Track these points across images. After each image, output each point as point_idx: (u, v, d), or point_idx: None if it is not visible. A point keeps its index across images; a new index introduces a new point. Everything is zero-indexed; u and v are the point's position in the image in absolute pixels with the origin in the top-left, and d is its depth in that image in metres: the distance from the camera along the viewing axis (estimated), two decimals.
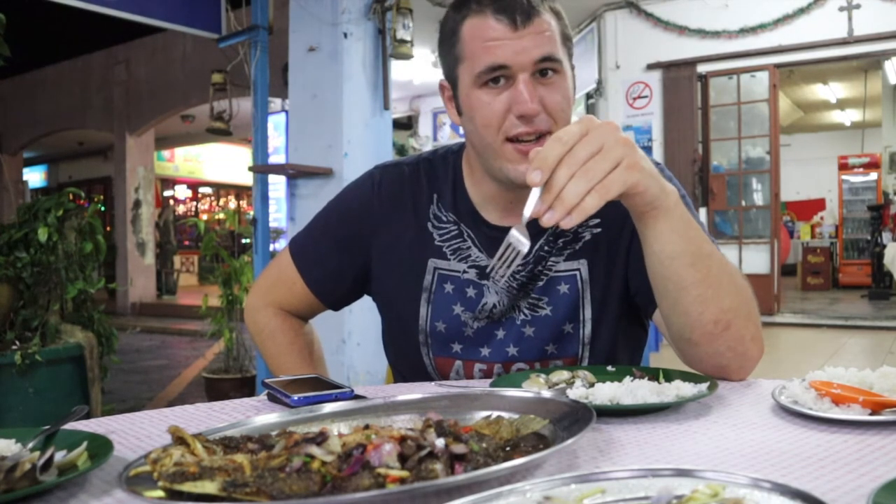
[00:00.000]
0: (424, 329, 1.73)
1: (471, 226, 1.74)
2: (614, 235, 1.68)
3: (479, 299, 1.71)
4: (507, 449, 0.90)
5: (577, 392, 1.23)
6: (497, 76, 1.52)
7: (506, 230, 1.71)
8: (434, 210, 1.77)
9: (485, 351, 1.71)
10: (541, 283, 1.69)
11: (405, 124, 14.75)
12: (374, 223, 1.77)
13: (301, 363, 1.83)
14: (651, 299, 1.59)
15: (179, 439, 0.88)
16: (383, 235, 1.75)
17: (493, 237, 1.72)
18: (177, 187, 23.25)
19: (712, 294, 1.39)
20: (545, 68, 1.52)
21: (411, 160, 1.86)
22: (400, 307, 1.76)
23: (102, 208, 18.43)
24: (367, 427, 0.96)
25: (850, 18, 9.88)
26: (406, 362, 1.78)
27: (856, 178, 15.82)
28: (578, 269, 1.68)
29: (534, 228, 1.71)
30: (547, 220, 1.18)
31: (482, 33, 1.51)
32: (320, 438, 0.85)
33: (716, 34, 10.60)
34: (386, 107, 6.09)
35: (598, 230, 1.69)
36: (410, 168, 1.82)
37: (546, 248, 1.69)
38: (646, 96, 11.09)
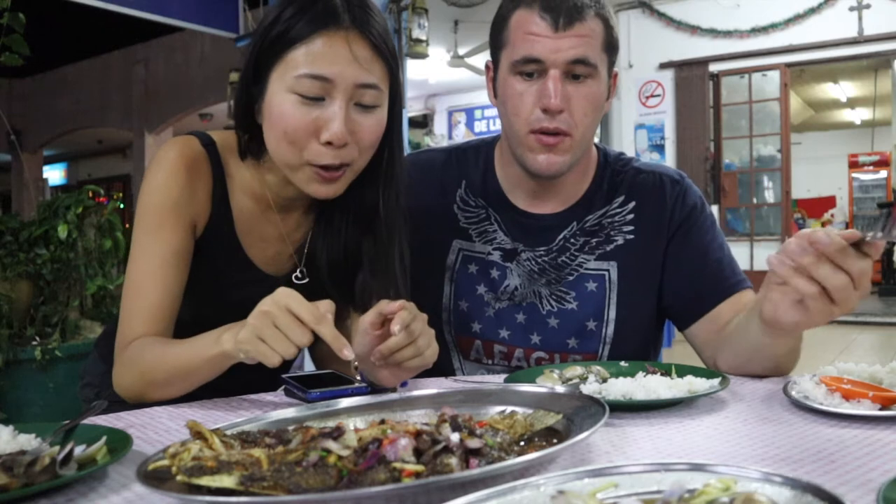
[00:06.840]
0: (448, 307, 1.77)
1: (498, 210, 1.77)
2: (648, 243, 1.71)
3: (501, 281, 1.74)
4: (522, 443, 0.91)
5: (591, 387, 1.24)
6: (531, 69, 1.57)
7: (533, 215, 1.74)
8: (461, 194, 1.80)
9: (504, 333, 1.73)
10: (571, 278, 1.71)
11: (421, 122, 14.73)
12: None
13: None
14: (687, 316, 1.67)
15: (198, 434, 0.89)
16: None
17: (519, 221, 1.75)
18: None
19: (777, 362, 1.46)
20: (578, 71, 1.56)
21: (444, 149, 1.92)
22: (422, 285, 1.76)
23: (122, 205, 18.31)
24: (382, 422, 0.97)
25: (860, 18, 9.83)
26: None
27: (866, 176, 15.78)
28: (608, 270, 1.71)
29: (561, 219, 1.73)
30: None
31: (526, 26, 1.57)
32: (336, 433, 0.86)
33: (728, 34, 10.57)
34: (402, 105, 6.08)
35: (632, 237, 1.71)
36: (442, 156, 1.87)
37: (573, 240, 1.71)
38: (658, 95, 11.06)
